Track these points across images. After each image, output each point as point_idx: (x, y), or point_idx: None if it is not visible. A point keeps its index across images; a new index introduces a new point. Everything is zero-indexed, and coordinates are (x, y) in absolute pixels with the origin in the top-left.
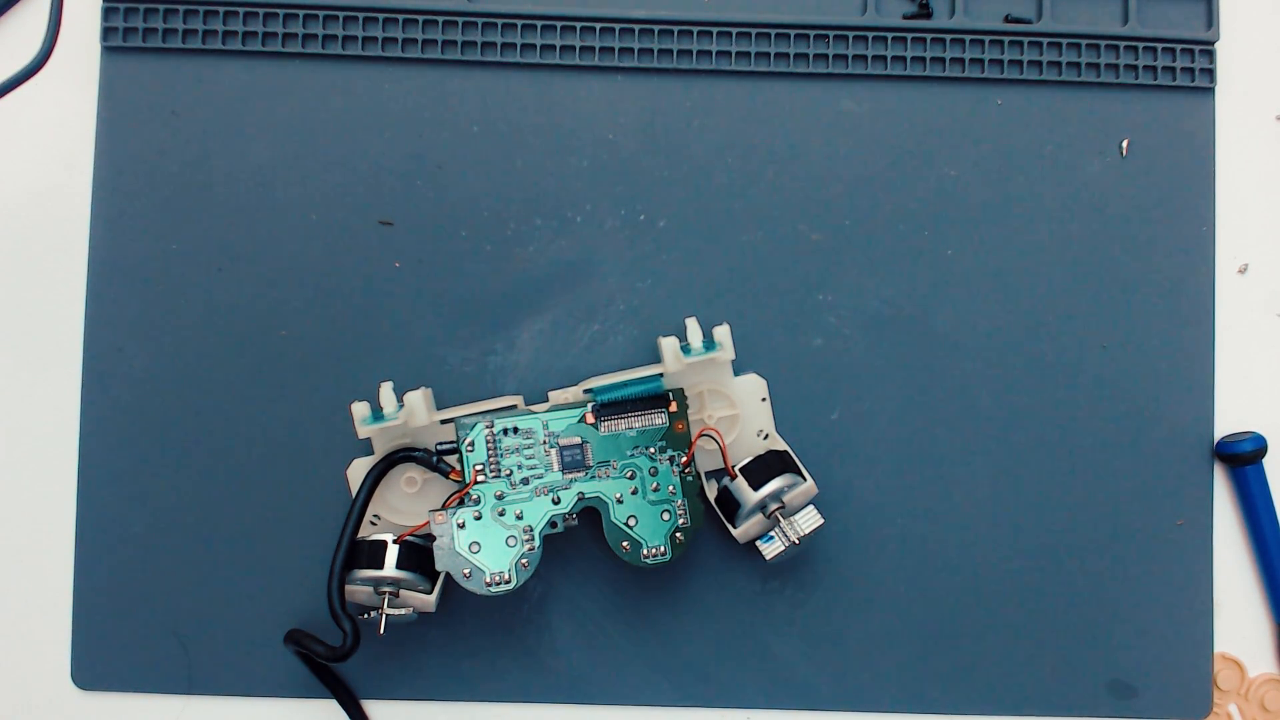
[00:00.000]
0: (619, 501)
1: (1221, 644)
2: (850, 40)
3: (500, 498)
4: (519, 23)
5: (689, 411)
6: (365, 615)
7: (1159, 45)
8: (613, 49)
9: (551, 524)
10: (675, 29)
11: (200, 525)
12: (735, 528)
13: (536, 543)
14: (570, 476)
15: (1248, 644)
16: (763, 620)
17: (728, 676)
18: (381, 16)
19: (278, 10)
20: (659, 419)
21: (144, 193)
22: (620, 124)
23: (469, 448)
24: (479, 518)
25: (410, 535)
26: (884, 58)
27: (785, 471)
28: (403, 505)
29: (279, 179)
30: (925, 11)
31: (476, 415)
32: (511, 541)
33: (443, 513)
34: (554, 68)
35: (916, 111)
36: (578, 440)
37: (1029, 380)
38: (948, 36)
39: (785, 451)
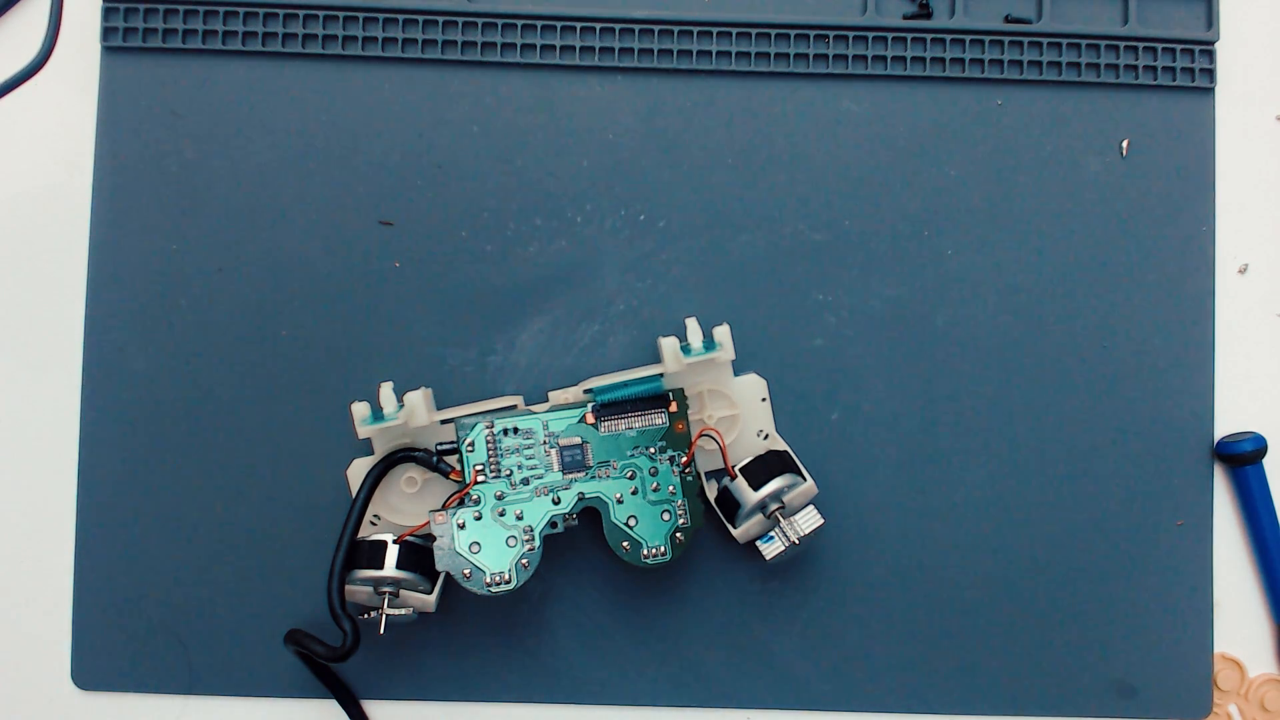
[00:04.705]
0: (619, 501)
1: (1221, 644)
2: (850, 40)
3: (500, 498)
4: (519, 23)
5: (689, 411)
6: (365, 615)
7: (1159, 45)
8: (613, 49)
9: (551, 524)
10: (675, 29)
11: (200, 525)
12: (735, 528)
13: (536, 543)
14: (570, 477)
15: (1248, 644)
16: (763, 620)
17: (728, 676)
18: (381, 16)
19: (278, 10)
20: (659, 419)
21: (144, 193)
22: (620, 124)
23: (469, 448)
24: (479, 518)
25: (410, 535)
26: (884, 58)
27: (785, 471)
28: (403, 505)
29: (279, 179)
30: (925, 11)
31: (476, 415)
32: (512, 542)
33: (443, 513)
34: (554, 68)
35: (916, 111)
36: (578, 440)
37: (1029, 380)
38: (948, 36)
39: (785, 451)
